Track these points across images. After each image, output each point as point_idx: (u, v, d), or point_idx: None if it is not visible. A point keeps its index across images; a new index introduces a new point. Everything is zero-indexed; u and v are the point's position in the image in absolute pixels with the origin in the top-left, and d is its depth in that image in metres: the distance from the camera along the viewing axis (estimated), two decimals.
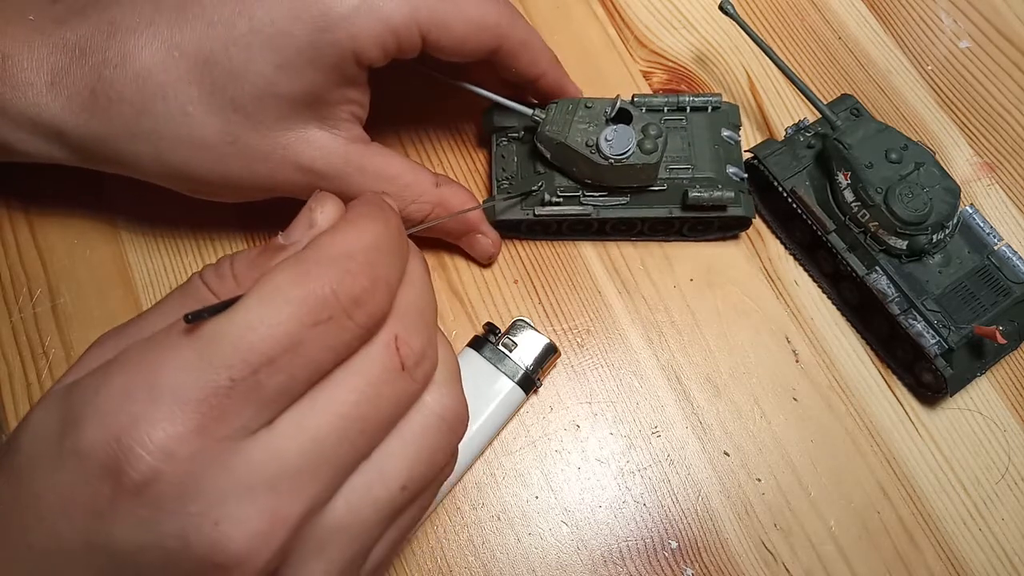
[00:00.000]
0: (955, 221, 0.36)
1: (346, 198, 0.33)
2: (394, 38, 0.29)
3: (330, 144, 0.31)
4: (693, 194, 0.35)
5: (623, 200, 0.36)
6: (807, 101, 0.38)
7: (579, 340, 0.37)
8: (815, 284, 0.39)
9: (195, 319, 0.20)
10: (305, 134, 0.31)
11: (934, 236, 0.35)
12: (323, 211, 0.24)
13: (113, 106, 0.29)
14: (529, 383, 0.34)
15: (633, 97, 0.38)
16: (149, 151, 0.31)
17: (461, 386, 0.25)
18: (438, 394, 0.24)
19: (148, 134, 0.30)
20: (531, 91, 0.37)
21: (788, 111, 0.43)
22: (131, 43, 0.29)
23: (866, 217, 0.35)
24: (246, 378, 0.20)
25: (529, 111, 0.36)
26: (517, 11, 0.33)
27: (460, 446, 0.33)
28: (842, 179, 0.36)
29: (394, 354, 0.22)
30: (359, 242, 0.22)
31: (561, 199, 0.36)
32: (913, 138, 0.36)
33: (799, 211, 0.37)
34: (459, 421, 0.24)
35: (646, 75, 0.43)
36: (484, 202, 0.37)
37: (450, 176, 0.40)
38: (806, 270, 0.39)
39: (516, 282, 0.38)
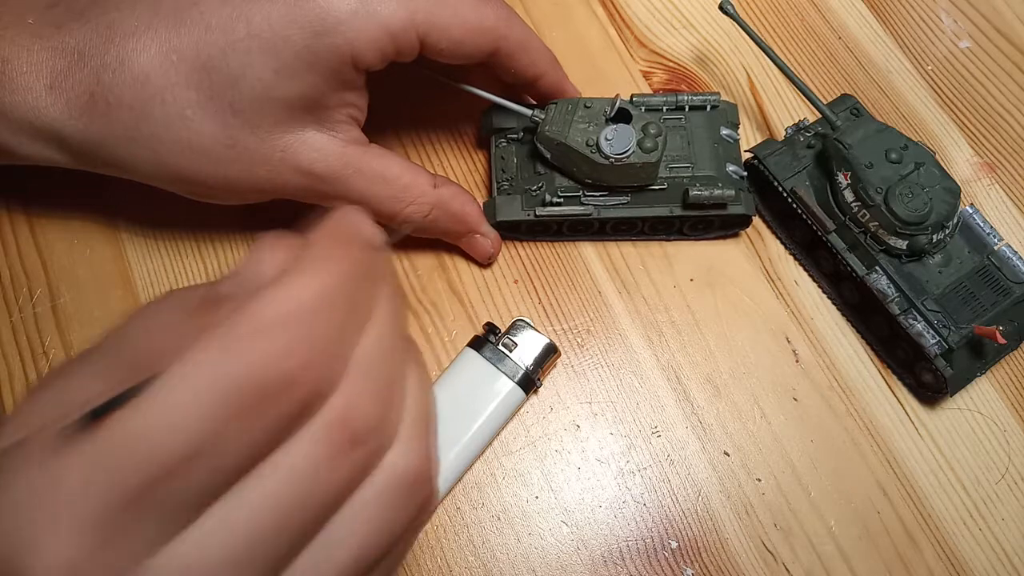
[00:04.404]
0: (955, 221, 0.36)
1: (345, 200, 0.32)
2: (392, 42, 0.29)
3: (328, 147, 0.31)
4: (693, 193, 0.35)
5: (623, 200, 0.36)
6: (807, 101, 0.38)
7: (579, 340, 0.37)
8: (815, 284, 0.39)
9: (100, 414, 0.17)
10: (303, 137, 0.31)
11: (934, 236, 0.35)
12: (271, 257, 0.20)
13: (112, 110, 0.29)
14: (529, 383, 0.34)
15: (632, 96, 0.38)
16: (148, 155, 0.31)
17: (428, 436, 0.22)
18: (399, 453, 0.21)
19: (147, 138, 0.30)
20: (530, 92, 0.37)
21: (788, 111, 0.43)
22: (129, 47, 0.29)
23: (866, 217, 0.35)
24: (154, 486, 0.16)
25: (528, 112, 0.36)
26: (515, 12, 0.33)
27: (460, 446, 0.33)
28: (842, 179, 0.36)
29: (344, 428, 0.19)
30: (306, 299, 0.18)
31: (562, 199, 0.36)
32: (913, 138, 0.36)
33: (799, 211, 0.37)
34: (421, 481, 0.21)
35: (646, 75, 0.43)
36: (484, 203, 0.37)
37: (450, 177, 0.40)
38: (806, 270, 0.39)
39: (516, 282, 0.38)
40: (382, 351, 0.20)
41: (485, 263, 0.38)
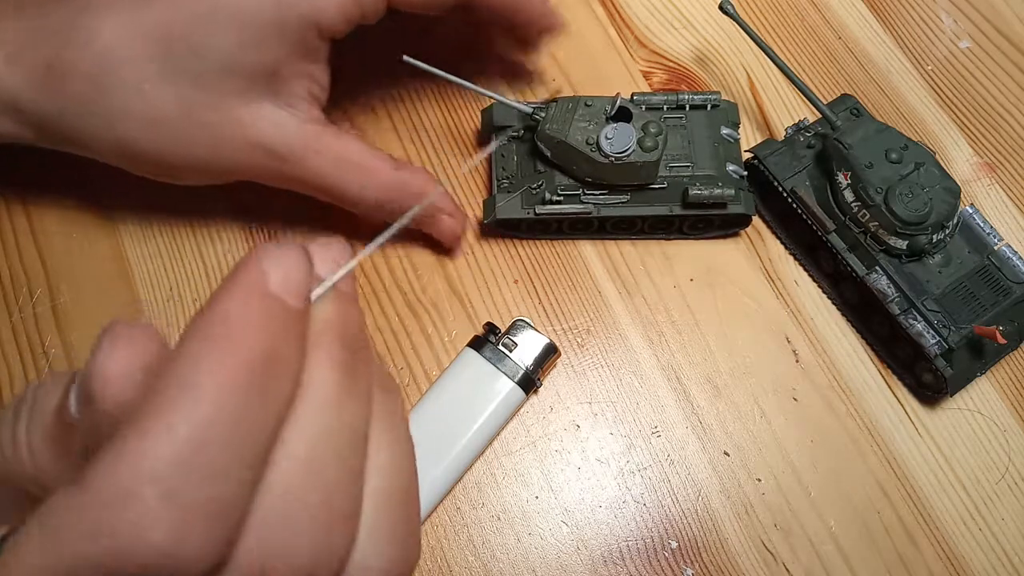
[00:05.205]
0: (955, 221, 0.36)
1: (305, 183, 0.33)
2: (356, 4, 0.29)
3: (288, 123, 0.31)
4: (693, 192, 0.35)
5: (623, 198, 0.36)
6: (807, 101, 0.38)
7: (579, 340, 0.37)
8: (815, 284, 0.39)
9: None
10: (263, 112, 0.30)
11: (934, 236, 0.35)
12: (126, 363, 0.16)
13: (69, 82, 0.29)
14: (529, 383, 0.34)
15: (632, 95, 0.38)
16: (106, 129, 0.30)
17: (405, 513, 0.19)
18: (369, 552, 0.17)
19: (105, 111, 0.30)
20: (515, 28, 0.36)
21: (788, 111, 0.43)
22: (93, 21, 0.29)
23: (866, 217, 0.35)
24: None
25: (529, 109, 0.36)
26: None
27: (460, 446, 0.33)
28: (842, 179, 0.36)
29: None
30: (181, 444, 0.14)
31: (561, 198, 0.36)
32: (913, 138, 0.36)
33: (799, 211, 0.37)
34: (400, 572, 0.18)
35: (646, 75, 0.43)
36: (484, 201, 0.37)
37: (450, 176, 0.40)
38: (806, 270, 0.39)
39: (516, 282, 0.38)
40: (315, 444, 0.16)
41: (452, 245, 0.37)
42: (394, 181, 0.33)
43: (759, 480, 0.35)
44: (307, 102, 0.31)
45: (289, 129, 0.31)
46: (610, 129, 0.34)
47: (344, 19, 0.29)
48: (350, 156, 0.32)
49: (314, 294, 0.18)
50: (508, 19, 0.35)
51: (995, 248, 0.36)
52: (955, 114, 0.43)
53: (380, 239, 0.22)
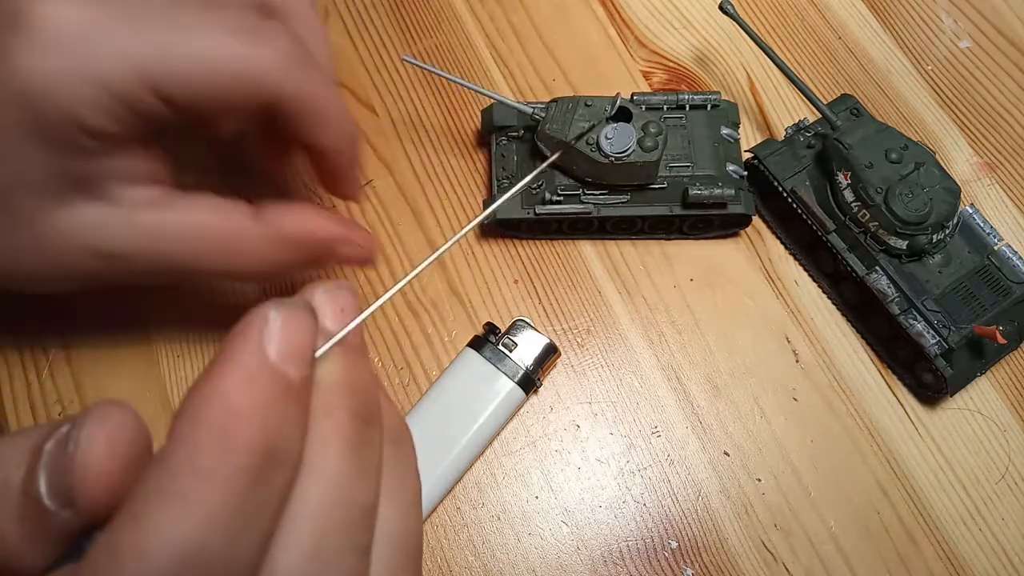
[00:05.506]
0: (955, 221, 0.36)
1: (166, 274, 0.27)
2: (122, 105, 0.23)
3: (111, 220, 0.25)
4: (693, 192, 0.35)
5: (623, 198, 0.36)
6: (807, 101, 0.38)
7: (579, 340, 0.37)
8: (815, 284, 0.39)
9: None
10: (78, 216, 0.25)
11: (934, 236, 0.35)
12: (90, 469, 0.15)
13: None
14: (529, 383, 0.34)
15: (632, 95, 0.38)
16: None
17: (410, 571, 0.18)
18: None
19: None
20: (315, 165, 0.29)
21: (788, 111, 0.43)
22: None
23: (866, 217, 0.35)
24: None
25: (529, 110, 0.36)
26: (306, 53, 0.26)
27: (460, 446, 0.33)
28: (842, 179, 0.36)
29: None
30: (167, 570, 0.13)
31: (561, 198, 0.36)
32: (913, 138, 0.36)
33: (799, 211, 0.37)
34: None
35: (646, 75, 0.43)
36: (484, 201, 0.37)
37: (449, 176, 0.40)
38: (806, 270, 0.39)
39: (516, 282, 0.38)
40: (320, 531, 0.16)
41: (368, 265, 0.32)
42: (263, 233, 0.27)
43: (759, 480, 0.35)
44: (133, 186, 0.26)
45: (115, 226, 0.25)
46: (610, 129, 0.34)
47: (112, 120, 0.23)
48: (199, 231, 0.26)
49: (319, 351, 0.17)
50: (315, 154, 0.28)
51: (995, 248, 0.36)
52: (955, 114, 0.43)
53: (387, 295, 0.22)
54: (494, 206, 0.31)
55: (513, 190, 0.31)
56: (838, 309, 0.38)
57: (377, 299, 0.21)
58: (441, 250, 0.26)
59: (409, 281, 0.21)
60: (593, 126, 0.34)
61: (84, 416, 0.15)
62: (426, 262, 0.25)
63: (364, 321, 0.18)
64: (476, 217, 0.29)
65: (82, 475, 0.15)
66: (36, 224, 0.25)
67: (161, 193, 0.26)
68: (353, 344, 0.18)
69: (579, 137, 0.34)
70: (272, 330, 0.15)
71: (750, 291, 0.38)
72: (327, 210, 0.31)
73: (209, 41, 0.23)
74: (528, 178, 0.32)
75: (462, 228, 0.27)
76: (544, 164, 0.34)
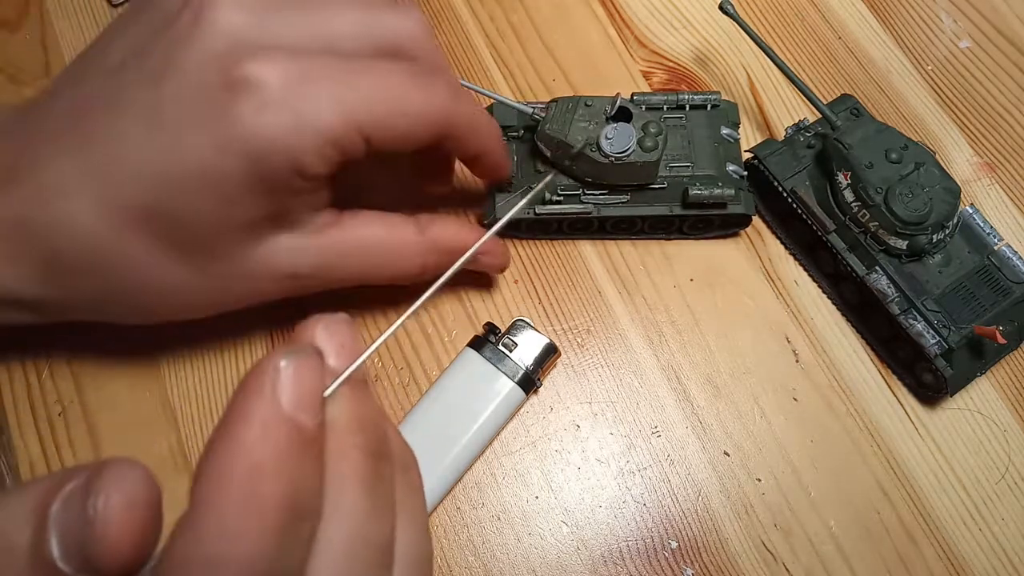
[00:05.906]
0: (955, 221, 0.36)
1: (336, 284, 0.31)
2: (335, 148, 0.26)
3: (302, 244, 0.29)
4: (693, 192, 0.35)
5: (623, 198, 0.36)
6: (807, 101, 0.38)
7: (579, 340, 0.37)
8: (815, 284, 0.39)
9: None
10: (275, 246, 0.29)
11: (934, 236, 0.35)
12: (111, 535, 0.15)
13: (70, 277, 0.28)
14: (529, 383, 0.34)
15: (632, 95, 0.38)
16: (119, 307, 0.30)
17: None
18: None
19: (113, 294, 0.29)
20: (471, 168, 0.34)
21: (788, 111, 0.43)
22: (68, 209, 0.27)
23: (866, 217, 0.35)
24: None
25: (529, 110, 0.36)
26: (460, 88, 0.30)
27: (460, 446, 0.33)
28: (842, 179, 0.36)
29: None
30: None
31: (561, 197, 0.36)
32: (913, 138, 0.36)
33: (799, 211, 0.37)
34: None
35: (646, 75, 0.43)
36: (485, 208, 0.37)
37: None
38: (806, 270, 0.39)
39: (516, 282, 0.38)
40: (341, 565, 0.16)
41: (501, 272, 0.37)
42: (425, 247, 0.32)
43: (759, 480, 0.35)
44: (316, 213, 0.29)
45: (306, 250, 0.29)
46: (610, 129, 0.34)
47: (324, 163, 0.27)
48: (372, 244, 0.31)
49: (327, 391, 0.17)
50: (471, 160, 0.33)
51: (995, 248, 0.36)
52: (955, 114, 0.43)
53: (401, 320, 0.24)
54: (503, 220, 0.32)
55: (523, 201, 0.33)
56: (838, 309, 0.38)
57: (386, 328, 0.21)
58: (453, 269, 0.28)
59: (422, 304, 0.24)
60: (598, 130, 0.34)
61: (99, 478, 0.16)
62: (438, 283, 0.27)
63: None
64: (487, 232, 0.31)
65: (103, 540, 0.15)
66: (237, 258, 0.28)
67: (336, 214, 0.30)
68: (357, 379, 0.18)
69: (586, 145, 0.34)
70: (284, 380, 0.16)
71: (750, 291, 0.38)
72: (470, 223, 0.35)
73: (399, 90, 0.27)
74: (537, 188, 0.34)
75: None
76: (548, 177, 0.36)
